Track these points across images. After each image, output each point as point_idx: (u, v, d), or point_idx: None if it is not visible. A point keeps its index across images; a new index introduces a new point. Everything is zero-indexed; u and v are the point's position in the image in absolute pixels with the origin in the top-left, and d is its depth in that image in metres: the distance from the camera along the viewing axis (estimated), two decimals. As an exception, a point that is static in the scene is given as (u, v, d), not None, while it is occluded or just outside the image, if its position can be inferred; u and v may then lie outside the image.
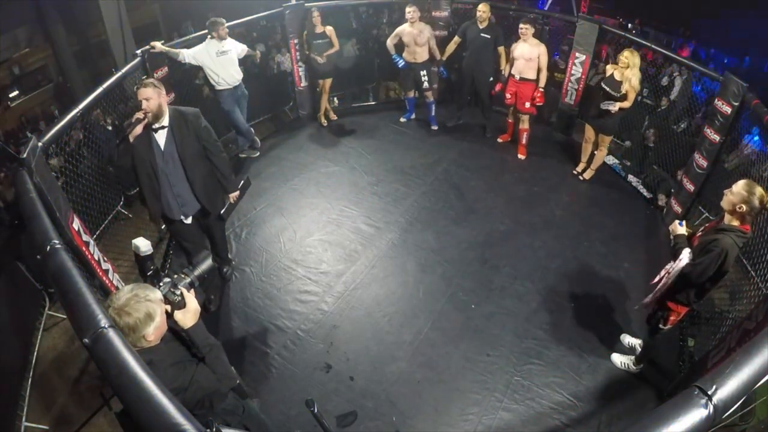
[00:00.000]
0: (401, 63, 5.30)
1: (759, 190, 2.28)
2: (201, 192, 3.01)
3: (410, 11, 5.03)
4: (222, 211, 3.28)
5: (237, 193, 3.26)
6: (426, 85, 5.38)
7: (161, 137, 2.77)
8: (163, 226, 3.52)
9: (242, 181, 3.28)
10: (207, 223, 3.31)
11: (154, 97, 2.63)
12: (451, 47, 5.33)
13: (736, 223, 2.35)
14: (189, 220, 3.13)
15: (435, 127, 5.73)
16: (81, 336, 1.38)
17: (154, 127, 2.72)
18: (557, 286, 3.70)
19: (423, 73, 5.31)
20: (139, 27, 9.58)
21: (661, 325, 2.76)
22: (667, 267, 2.66)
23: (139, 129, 2.65)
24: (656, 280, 2.75)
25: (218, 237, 3.51)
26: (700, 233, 2.55)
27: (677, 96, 5.73)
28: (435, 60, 5.38)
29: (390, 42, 5.29)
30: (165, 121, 2.75)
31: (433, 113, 5.68)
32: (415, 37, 5.11)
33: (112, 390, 1.35)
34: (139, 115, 2.60)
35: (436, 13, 5.73)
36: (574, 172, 4.98)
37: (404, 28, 5.15)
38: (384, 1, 6.84)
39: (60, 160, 3.67)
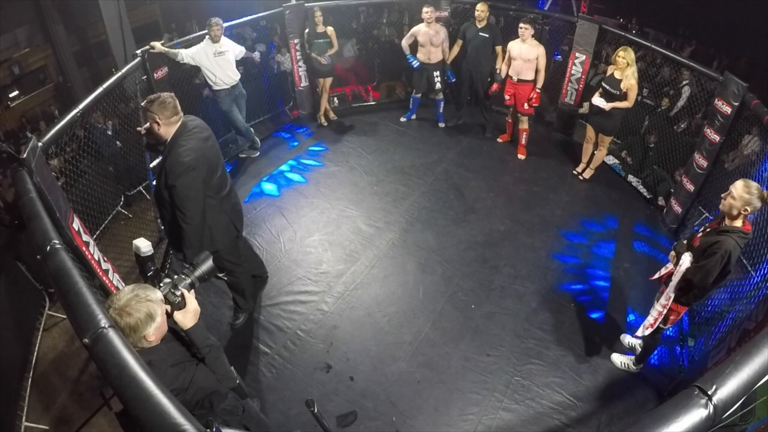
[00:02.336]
0: (416, 63, 5.31)
1: (757, 188, 2.29)
2: (169, 234, 2.77)
3: (428, 11, 5.05)
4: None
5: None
6: (439, 86, 5.42)
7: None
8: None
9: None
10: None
11: (149, 123, 2.39)
12: (455, 50, 5.35)
13: (737, 223, 2.35)
14: None
15: (442, 125, 5.78)
16: (81, 336, 1.37)
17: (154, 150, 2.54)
18: (557, 286, 3.71)
19: (436, 74, 5.35)
20: (139, 27, 9.58)
21: (661, 325, 2.76)
22: (669, 266, 2.68)
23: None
24: (656, 277, 2.76)
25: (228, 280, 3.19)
26: (701, 234, 2.55)
27: (683, 104, 5.69)
28: (445, 62, 5.39)
29: (405, 42, 5.29)
30: (163, 147, 2.51)
31: (441, 110, 5.73)
32: (431, 37, 5.12)
33: (112, 390, 1.34)
34: (139, 128, 2.47)
35: (436, 13, 5.73)
36: (574, 172, 4.98)
37: (420, 28, 5.16)
38: (384, 1, 6.85)
39: (60, 161, 3.67)
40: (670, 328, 2.93)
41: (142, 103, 2.37)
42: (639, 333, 2.82)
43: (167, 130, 2.42)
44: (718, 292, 3.30)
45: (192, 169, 2.42)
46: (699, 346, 3.19)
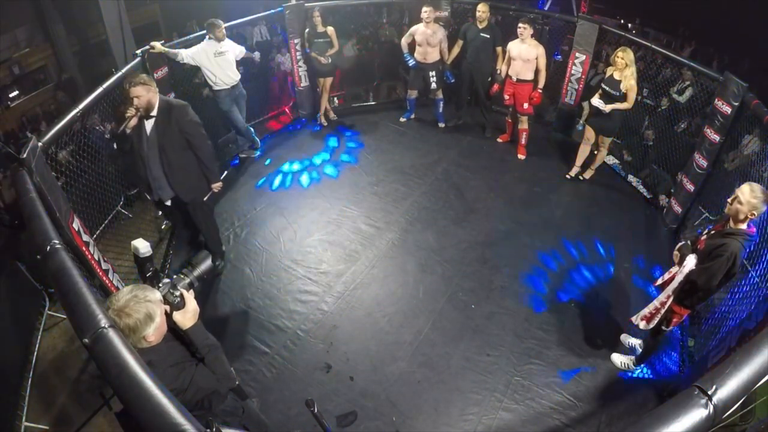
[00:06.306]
0: (412, 62, 5.32)
1: (762, 192, 2.30)
2: (174, 180, 3.27)
3: (426, 11, 5.06)
4: (205, 198, 3.50)
5: (220, 183, 3.51)
6: (434, 86, 5.42)
7: (149, 126, 3.10)
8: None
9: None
10: (187, 211, 3.54)
11: (143, 94, 2.93)
12: (455, 50, 5.35)
13: (742, 226, 2.36)
14: (168, 203, 3.42)
15: (442, 125, 5.78)
16: (81, 336, 1.38)
17: (146, 117, 3.08)
18: (557, 287, 3.70)
19: (432, 73, 5.34)
20: (139, 27, 9.57)
21: (663, 327, 2.76)
22: (672, 270, 2.67)
23: (133, 122, 3.01)
24: (659, 282, 2.75)
25: (202, 227, 3.67)
26: (705, 237, 2.54)
27: (684, 102, 5.67)
28: (443, 62, 5.39)
29: (404, 41, 5.31)
30: (154, 112, 3.06)
31: (440, 110, 5.73)
32: (428, 37, 5.13)
33: (112, 390, 1.35)
34: (131, 112, 2.95)
35: (436, 13, 5.72)
36: (567, 176, 4.92)
37: (418, 28, 5.18)
38: (384, 1, 6.84)
39: (66, 154, 3.66)
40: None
41: (139, 83, 2.89)
42: (633, 319, 2.83)
43: (156, 97, 3.03)
44: (719, 292, 3.30)
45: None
46: (699, 346, 3.19)
